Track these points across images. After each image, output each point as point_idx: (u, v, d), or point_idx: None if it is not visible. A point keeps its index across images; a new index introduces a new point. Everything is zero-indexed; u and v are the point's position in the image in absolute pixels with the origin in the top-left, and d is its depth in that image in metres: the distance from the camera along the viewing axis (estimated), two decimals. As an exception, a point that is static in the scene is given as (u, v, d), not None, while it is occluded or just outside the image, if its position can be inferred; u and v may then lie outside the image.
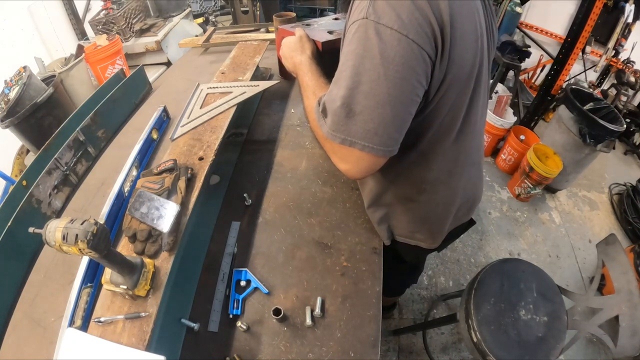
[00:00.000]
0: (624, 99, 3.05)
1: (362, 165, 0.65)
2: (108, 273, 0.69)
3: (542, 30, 3.48)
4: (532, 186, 2.50)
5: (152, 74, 2.39)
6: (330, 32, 0.95)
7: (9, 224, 0.91)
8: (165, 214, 0.79)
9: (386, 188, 0.89)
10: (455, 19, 0.59)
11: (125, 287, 0.68)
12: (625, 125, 2.31)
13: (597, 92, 2.81)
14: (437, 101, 0.67)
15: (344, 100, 0.60)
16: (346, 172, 0.69)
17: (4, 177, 1.62)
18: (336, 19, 1.04)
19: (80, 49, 2.27)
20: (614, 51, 2.84)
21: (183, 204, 0.83)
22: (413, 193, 0.87)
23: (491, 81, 2.84)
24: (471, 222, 1.09)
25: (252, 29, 2.01)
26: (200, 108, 1.18)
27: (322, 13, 3.34)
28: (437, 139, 0.75)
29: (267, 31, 1.91)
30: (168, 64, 2.69)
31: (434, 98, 0.66)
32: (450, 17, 0.58)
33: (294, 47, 0.90)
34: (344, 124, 0.61)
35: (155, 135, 1.28)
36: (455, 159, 0.82)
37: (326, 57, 1.02)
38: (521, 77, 3.53)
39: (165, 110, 1.37)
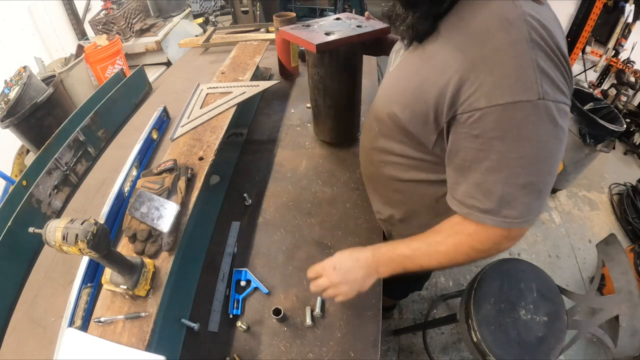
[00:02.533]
0: (624, 99, 3.05)
1: (521, 236, 0.65)
2: (108, 273, 0.69)
3: (542, 30, 3.48)
4: (532, 186, 2.49)
5: (152, 74, 2.39)
6: (327, 34, 0.94)
7: (9, 224, 0.91)
8: (165, 214, 0.79)
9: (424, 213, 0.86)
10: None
11: (125, 287, 0.68)
12: (625, 125, 2.30)
13: (597, 92, 2.80)
14: None
15: (534, 186, 0.57)
16: (506, 249, 0.66)
17: (4, 177, 1.62)
18: (337, 19, 1.04)
19: (80, 49, 2.27)
20: (614, 51, 2.84)
21: (183, 204, 0.83)
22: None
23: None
24: None
25: (252, 29, 2.01)
26: (200, 108, 1.18)
27: (322, 13, 3.34)
28: None
29: (267, 31, 1.91)
30: (168, 64, 2.69)
31: None
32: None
33: (359, 271, 0.73)
34: (535, 206, 0.59)
35: (155, 135, 1.28)
36: None
37: (326, 57, 1.02)
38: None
39: (165, 110, 1.37)
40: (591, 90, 2.72)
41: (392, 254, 0.72)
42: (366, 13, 1.10)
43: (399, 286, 1.41)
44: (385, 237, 1.00)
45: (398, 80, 0.71)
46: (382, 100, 0.76)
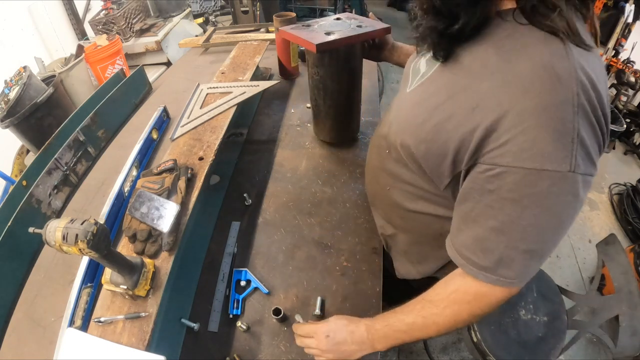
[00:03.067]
0: (624, 99, 3.05)
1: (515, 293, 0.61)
2: (108, 273, 0.69)
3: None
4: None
5: (152, 74, 2.39)
6: (328, 34, 0.94)
7: (9, 224, 0.91)
8: (165, 214, 0.79)
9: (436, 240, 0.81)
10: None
11: (125, 287, 0.67)
12: (625, 125, 2.31)
13: (597, 92, 2.80)
14: None
15: (536, 252, 0.54)
16: (498, 305, 0.62)
17: (4, 177, 1.62)
18: (338, 19, 1.04)
19: (80, 49, 2.27)
20: (614, 51, 2.84)
21: (183, 204, 0.83)
22: None
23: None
24: None
25: (252, 29, 2.01)
26: (200, 108, 1.18)
27: (322, 13, 3.34)
28: None
29: (267, 31, 1.91)
30: (168, 64, 2.69)
31: None
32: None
33: (350, 345, 0.69)
34: (533, 269, 0.56)
35: (155, 135, 1.28)
36: None
37: (326, 57, 1.02)
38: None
39: (165, 110, 1.37)
40: (591, 90, 2.72)
41: (387, 330, 0.68)
42: (370, 14, 1.09)
43: (401, 297, 1.39)
44: (385, 249, 0.99)
45: (417, 110, 0.63)
46: (396, 126, 0.70)
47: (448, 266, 0.83)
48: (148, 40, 2.65)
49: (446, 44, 0.56)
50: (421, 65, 0.68)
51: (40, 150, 1.20)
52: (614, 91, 3.07)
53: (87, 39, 2.54)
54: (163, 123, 1.37)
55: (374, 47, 1.08)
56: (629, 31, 2.77)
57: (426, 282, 0.86)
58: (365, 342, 0.69)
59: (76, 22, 2.65)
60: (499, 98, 0.48)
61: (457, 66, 0.56)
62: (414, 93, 0.67)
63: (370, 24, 0.98)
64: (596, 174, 0.50)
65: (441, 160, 0.58)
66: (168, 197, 0.84)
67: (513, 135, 0.47)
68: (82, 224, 0.55)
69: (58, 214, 1.09)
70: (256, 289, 0.89)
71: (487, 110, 0.49)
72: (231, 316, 0.84)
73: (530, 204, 0.49)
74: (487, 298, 0.60)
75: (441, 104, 0.57)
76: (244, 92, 1.22)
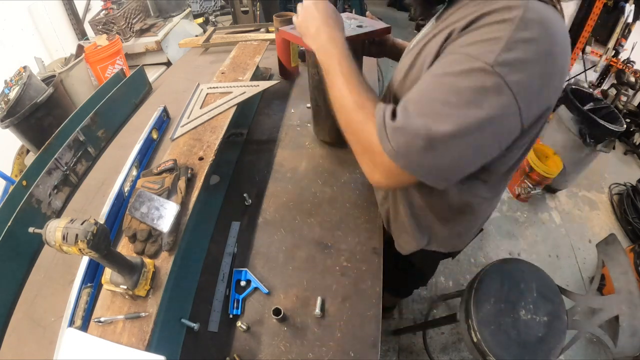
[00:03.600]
0: (624, 99, 3.05)
1: (401, 183, 0.63)
2: (108, 273, 0.69)
3: (542, 30, 3.48)
4: (532, 186, 2.50)
5: (152, 74, 2.39)
6: None
7: (9, 224, 0.91)
8: (165, 214, 0.79)
9: (437, 210, 0.85)
10: (567, 46, 0.57)
11: (125, 287, 0.68)
12: (625, 125, 2.31)
13: (597, 92, 2.81)
14: (527, 142, 0.66)
15: (428, 132, 0.54)
16: (376, 182, 0.64)
17: (4, 177, 1.62)
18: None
19: (80, 49, 2.27)
20: (614, 51, 2.84)
21: (183, 204, 0.84)
22: (461, 215, 0.86)
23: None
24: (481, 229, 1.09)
25: (252, 29, 2.01)
26: (200, 108, 1.18)
27: (322, 13, 3.33)
28: (510, 171, 0.76)
29: (267, 31, 1.91)
30: (168, 64, 2.69)
31: (525, 142, 0.65)
32: (565, 55, 0.56)
33: (325, 15, 0.73)
34: (416, 154, 0.56)
35: (155, 135, 1.28)
36: (503, 187, 0.84)
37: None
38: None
39: (165, 110, 1.37)
40: (591, 90, 2.73)
41: (342, 50, 0.71)
42: (368, 13, 1.10)
43: (403, 283, 1.41)
44: (385, 240, 1.00)
45: (405, 60, 0.72)
46: (393, 90, 0.77)
47: (443, 238, 0.93)
48: (148, 40, 2.65)
49: (429, 4, 0.70)
50: (413, 42, 0.80)
51: (40, 150, 1.20)
52: (614, 91, 3.07)
53: (87, 39, 2.54)
54: (163, 123, 1.37)
55: (373, 43, 1.09)
56: (629, 31, 2.76)
57: (421, 256, 0.99)
58: (329, 22, 0.74)
59: (76, 22, 2.65)
60: (460, 22, 0.58)
61: (438, 24, 0.67)
62: (405, 56, 0.76)
63: (371, 24, 0.98)
64: (521, 103, 0.53)
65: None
66: (168, 197, 0.84)
67: (458, 36, 0.58)
68: (82, 224, 0.55)
69: (58, 214, 1.09)
70: (256, 289, 0.89)
71: (449, 28, 0.60)
72: (231, 316, 0.84)
73: (447, 82, 0.55)
74: (368, 133, 0.61)
75: (422, 46, 0.66)
76: (244, 92, 1.22)
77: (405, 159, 0.57)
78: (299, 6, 0.79)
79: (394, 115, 0.59)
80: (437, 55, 0.61)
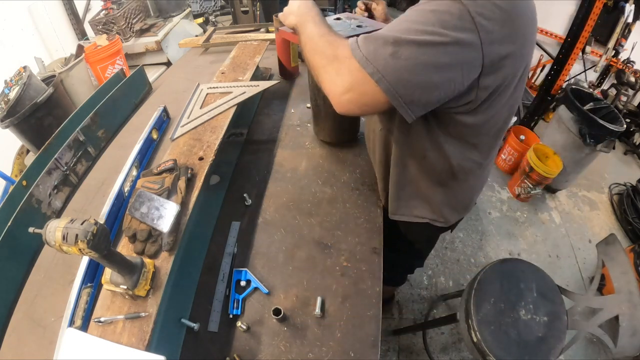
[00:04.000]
0: (624, 99, 3.05)
1: (363, 101, 0.65)
2: (108, 273, 0.69)
3: (542, 30, 3.48)
4: (532, 186, 2.50)
5: (152, 74, 2.39)
6: None
7: (9, 224, 0.91)
8: (165, 214, 0.79)
9: (431, 174, 0.90)
10: (530, 16, 0.63)
11: (125, 287, 0.68)
12: (625, 125, 2.31)
13: (597, 92, 2.80)
14: (505, 98, 0.70)
15: (396, 41, 0.60)
16: (337, 97, 0.67)
17: (4, 177, 1.62)
18: (338, 19, 1.04)
19: (80, 49, 2.27)
20: (614, 51, 2.83)
21: (183, 204, 0.84)
22: (455, 180, 0.90)
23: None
24: None
25: (252, 29, 2.01)
26: (200, 108, 1.18)
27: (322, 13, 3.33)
28: (496, 135, 0.81)
29: (267, 31, 1.91)
30: (168, 64, 2.69)
31: (501, 95, 0.69)
32: (525, 18, 0.62)
33: (303, 2, 0.83)
34: (383, 59, 0.60)
35: (155, 135, 1.28)
36: (493, 153, 0.88)
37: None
38: (521, 77, 3.51)
39: (165, 110, 1.37)
40: (591, 90, 2.73)
41: (311, 13, 0.78)
42: (359, 3, 1.09)
43: (400, 266, 1.42)
44: (384, 235, 1.00)
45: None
46: None
47: (438, 205, 0.96)
48: (148, 40, 2.64)
49: None
50: None
51: (40, 150, 1.20)
52: (614, 91, 3.06)
53: (87, 39, 2.54)
54: (163, 123, 1.37)
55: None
56: (629, 31, 2.76)
57: (419, 230, 1.04)
58: (293, 9, 0.82)
59: (76, 22, 2.65)
60: None
61: None
62: None
63: (371, 24, 0.98)
64: (482, 34, 0.58)
65: None
66: (168, 197, 0.84)
67: None
68: (82, 224, 0.55)
69: (58, 214, 1.09)
70: (256, 289, 0.89)
71: None
72: (231, 316, 0.84)
73: (418, 9, 0.62)
74: (344, 48, 0.66)
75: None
76: (244, 92, 1.22)
77: (373, 64, 0.60)
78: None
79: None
80: None
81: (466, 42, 0.58)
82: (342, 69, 0.65)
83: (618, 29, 2.73)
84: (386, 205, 1.06)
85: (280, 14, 0.88)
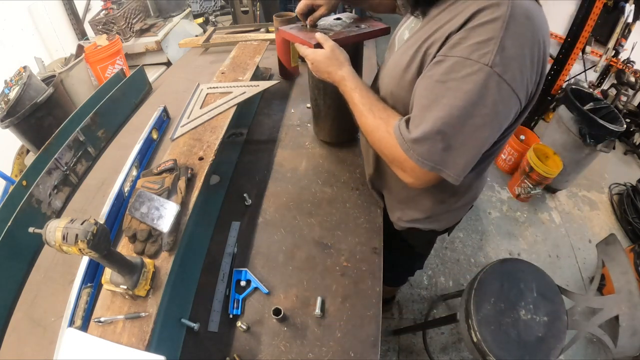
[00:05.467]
0: (624, 99, 3.05)
1: (430, 182, 0.71)
2: (108, 273, 0.69)
3: (542, 30, 3.48)
4: (532, 186, 2.50)
5: (152, 74, 2.39)
6: (325, 33, 0.94)
7: (9, 224, 0.91)
8: (165, 214, 0.79)
9: (431, 196, 0.94)
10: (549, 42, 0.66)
11: (125, 287, 0.68)
12: (625, 125, 2.31)
13: (597, 92, 2.80)
14: (513, 129, 0.75)
15: (443, 135, 0.63)
16: (410, 184, 0.73)
17: (4, 177, 1.62)
18: (338, 19, 1.04)
19: (80, 49, 2.27)
20: (614, 51, 2.83)
21: (183, 204, 0.83)
22: (452, 197, 0.94)
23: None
24: None
25: (252, 29, 2.01)
26: (200, 108, 1.18)
27: (322, 13, 3.33)
28: (495, 155, 0.84)
29: (267, 31, 1.91)
30: (168, 64, 2.69)
31: (514, 127, 0.74)
32: (547, 49, 0.64)
33: (329, 62, 0.84)
34: (439, 155, 0.64)
35: (155, 135, 1.28)
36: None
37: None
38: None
39: (165, 110, 1.37)
40: (591, 90, 2.72)
41: (352, 84, 0.80)
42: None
43: (400, 268, 1.42)
44: (384, 239, 1.00)
45: (401, 59, 0.75)
46: (387, 79, 0.81)
47: (437, 215, 0.98)
48: (148, 40, 2.65)
49: (424, 5, 0.72)
50: (404, 34, 0.83)
51: (40, 150, 1.20)
52: (614, 91, 3.06)
53: (87, 39, 2.54)
54: (163, 123, 1.37)
55: None
56: (629, 31, 2.76)
57: (419, 235, 1.06)
58: (334, 64, 0.83)
59: (76, 22, 2.65)
60: (453, 21, 0.63)
61: (429, 21, 0.70)
62: (399, 51, 0.79)
63: (370, 25, 0.98)
64: (518, 93, 0.61)
65: (418, 70, 0.70)
66: (168, 197, 0.84)
67: (459, 37, 0.61)
68: (82, 224, 0.55)
69: (58, 214, 1.09)
70: (256, 289, 0.89)
71: (445, 30, 0.64)
72: (231, 316, 0.84)
73: (452, 86, 0.61)
74: (394, 145, 0.69)
75: (418, 47, 0.70)
76: (244, 92, 1.22)
77: (430, 162, 0.65)
78: (305, 56, 0.89)
79: (407, 125, 0.67)
80: (435, 55, 0.65)
81: (505, 107, 0.62)
82: (405, 168, 0.70)
83: (618, 29, 2.72)
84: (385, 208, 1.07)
85: (311, 66, 0.88)
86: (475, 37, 0.59)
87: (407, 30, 0.83)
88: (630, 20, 2.65)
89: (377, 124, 0.74)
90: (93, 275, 0.84)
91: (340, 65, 0.83)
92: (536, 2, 0.64)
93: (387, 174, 0.96)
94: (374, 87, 0.92)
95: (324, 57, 0.84)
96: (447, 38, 0.63)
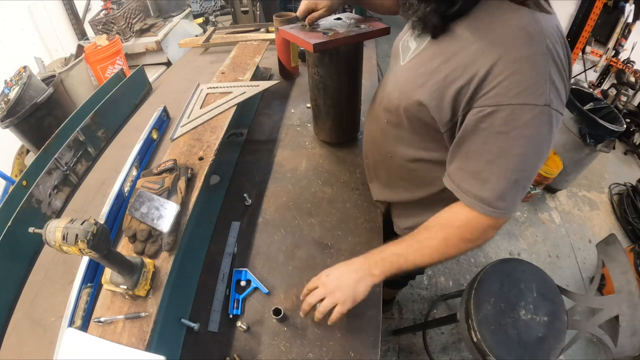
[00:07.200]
0: (624, 99, 3.05)
1: (502, 225, 0.70)
2: (108, 273, 0.69)
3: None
4: (532, 186, 2.50)
5: (152, 74, 2.39)
6: (325, 33, 0.94)
7: (9, 224, 0.91)
8: (165, 214, 0.79)
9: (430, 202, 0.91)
10: None
11: (125, 287, 0.68)
12: (625, 125, 2.31)
13: (597, 92, 2.80)
14: None
15: (518, 184, 0.64)
16: (492, 236, 0.71)
17: (4, 177, 1.62)
18: (338, 18, 1.04)
19: (80, 49, 2.27)
20: (614, 51, 2.84)
21: (183, 204, 0.83)
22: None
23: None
24: None
25: (252, 29, 2.01)
26: (200, 108, 1.18)
27: (322, 13, 3.33)
28: None
29: (267, 31, 1.91)
30: (168, 64, 2.68)
31: None
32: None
33: (351, 274, 0.74)
34: (518, 200, 0.66)
35: (155, 135, 1.28)
36: None
37: (326, 57, 1.02)
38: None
39: (165, 110, 1.37)
40: (591, 90, 2.72)
41: (383, 254, 0.75)
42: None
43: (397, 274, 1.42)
44: (385, 240, 1.00)
45: (416, 76, 0.72)
46: (397, 94, 0.78)
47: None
48: (148, 40, 2.64)
49: (443, 23, 0.66)
50: (410, 43, 0.78)
51: (40, 150, 1.20)
52: (614, 91, 3.06)
53: (87, 39, 2.54)
54: (163, 123, 1.37)
55: None
56: (629, 31, 2.76)
57: None
58: (363, 269, 0.74)
59: (76, 22, 2.64)
60: (488, 55, 0.59)
61: (447, 37, 0.66)
62: (410, 64, 0.76)
63: (369, 25, 0.98)
64: (564, 113, 0.62)
65: (440, 112, 0.68)
66: (168, 197, 0.84)
67: (499, 81, 0.58)
68: (82, 224, 0.55)
69: (58, 214, 1.09)
70: (256, 289, 0.89)
71: (479, 65, 0.60)
72: (231, 316, 0.84)
73: (517, 135, 0.59)
74: (477, 223, 0.68)
75: (437, 67, 0.66)
76: (244, 92, 1.22)
77: (512, 211, 0.66)
78: (318, 280, 0.78)
79: (468, 184, 0.66)
80: (470, 100, 0.62)
81: (556, 131, 0.63)
82: (488, 230, 0.69)
83: (618, 29, 2.73)
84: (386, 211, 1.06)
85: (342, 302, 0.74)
86: (522, 77, 0.57)
87: (414, 40, 0.77)
88: (630, 20, 2.66)
89: (439, 236, 0.70)
90: (93, 275, 0.84)
91: (368, 273, 0.74)
92: (547, 12, 0.62)
93: (399, 188, 0.94)
94: (378, 95, 0.90)
95: (341, 276, 0.75)
96: (479, 79, 0.60)
